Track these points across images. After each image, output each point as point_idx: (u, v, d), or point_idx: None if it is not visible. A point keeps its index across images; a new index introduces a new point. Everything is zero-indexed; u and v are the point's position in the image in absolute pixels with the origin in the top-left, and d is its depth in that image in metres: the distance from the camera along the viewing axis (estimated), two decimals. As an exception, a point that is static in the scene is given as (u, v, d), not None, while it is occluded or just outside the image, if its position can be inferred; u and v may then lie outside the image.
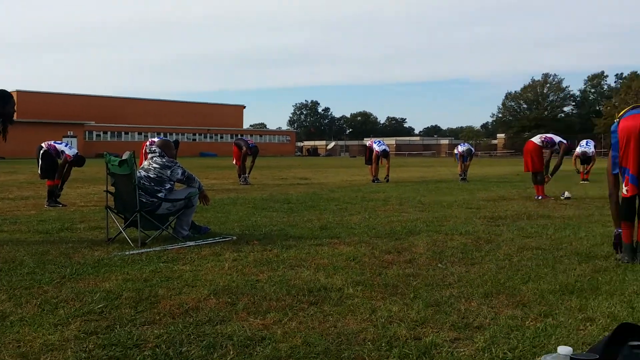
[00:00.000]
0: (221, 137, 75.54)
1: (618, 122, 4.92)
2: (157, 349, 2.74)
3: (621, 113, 5.00)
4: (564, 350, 2.09)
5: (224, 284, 3.97)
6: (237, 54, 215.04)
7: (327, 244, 5.62)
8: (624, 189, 4.87)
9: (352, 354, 2.68)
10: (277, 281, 4.07)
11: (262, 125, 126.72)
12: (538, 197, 10.50)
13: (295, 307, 3.45)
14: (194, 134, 73.74)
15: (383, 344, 2.80)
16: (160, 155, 6.02)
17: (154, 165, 5.95)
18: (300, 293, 3.74)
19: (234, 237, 5.96)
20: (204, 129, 74.42)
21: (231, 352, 2.70)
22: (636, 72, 79.80)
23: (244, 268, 4.52)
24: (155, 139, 7.93)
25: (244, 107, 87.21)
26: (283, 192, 12.32)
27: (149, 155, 6.09)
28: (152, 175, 5.88)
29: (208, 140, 74.65)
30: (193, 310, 3.38)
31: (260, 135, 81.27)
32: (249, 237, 6.01)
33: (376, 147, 16.10)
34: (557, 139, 10.94)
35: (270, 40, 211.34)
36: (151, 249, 5.30)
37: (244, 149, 15.38)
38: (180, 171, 6.03)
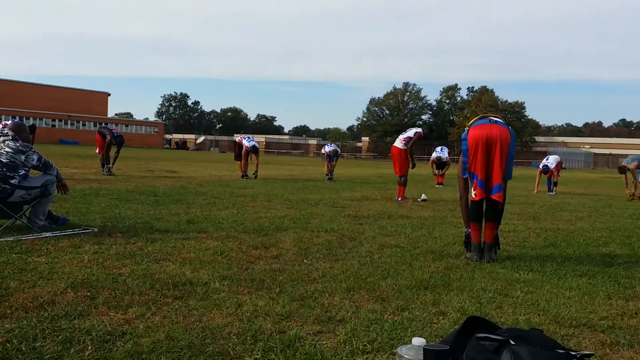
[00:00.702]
0: (83, 125, 71.48)
1: (468, 131, 5.31)
2: (8, 344, 2.56)
3: (470, 122, 5.40)
4: (418, 341, 2.23)
5: (83, 277, 3.78)
6: (103, 38, 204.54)
7: (194, 238, 5.53)
8: (473, 193, 5.25)
9: (216, 348, 2.67)
10: (140, 275, 3.95)
11: (129, 114, 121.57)
12: (398, 198, 11.05)
13: (159, 301, 3.37)
14: (54, 120, 69.11)
15: (248, 338, 2.83)
16: (14, 139, 5.59)
17: (7, 149, 5.52)
18: (165, 287, 3.66)
19: (95, 229, 5.69)
20: (65, 114, 69.95)
21: (89, 348, 2.59)
22: (485, 86, 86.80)
23: (105, 261, 4.34)
24: (9, 122, 7.35)
25: (109, 94, 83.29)
26: (149, 185, 11.93)
27: (1, 139, 5.63)
28: (4, 160, 5.45)
29: (69, 127, 70.32)
30: (48, 304, 3.20)
31: (126, 125, 77.95)
32: (112, 230, 5.77)
33: (246, 143, 16.05)
34: (412, 132, 11.45)
35: (139, 28, 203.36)
36: (3, 239, 4.91)
37: (108, 137, 14.70)
38: (35, 157, 5.64)
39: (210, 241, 5.43)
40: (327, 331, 3.00)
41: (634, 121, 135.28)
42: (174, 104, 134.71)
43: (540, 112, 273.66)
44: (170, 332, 2.83)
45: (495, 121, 5.21)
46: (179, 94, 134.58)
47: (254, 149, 16.15)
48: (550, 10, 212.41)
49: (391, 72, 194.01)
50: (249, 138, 16.42)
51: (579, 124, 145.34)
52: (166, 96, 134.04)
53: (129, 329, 2.86)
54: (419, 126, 11.11)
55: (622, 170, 14.71)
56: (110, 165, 14.67)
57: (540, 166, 16.68)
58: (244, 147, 16.04)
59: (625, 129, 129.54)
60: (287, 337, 2.85)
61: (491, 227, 5.22)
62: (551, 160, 16.61)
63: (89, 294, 3.43)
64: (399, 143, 11.30)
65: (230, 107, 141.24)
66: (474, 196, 5.24)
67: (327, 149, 17.97)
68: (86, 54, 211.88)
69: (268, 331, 2.93)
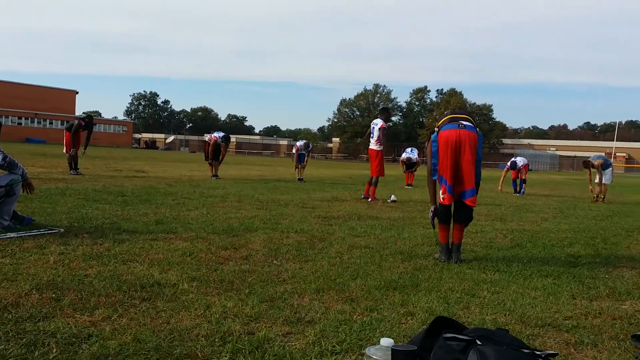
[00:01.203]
0: (50, 123, 70.06)
1: (438, 132, 5.33)
2: (-32, 349, 2.50)
3: (440, 123, 5.39)
4: (386, 342, 2.25)
5: (48, 279, 3.71)
6: (70, 35, 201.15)
7: (163, 239, 5.48)
8: (442, 197, 5.30)
9: (184, 350, 2.65)
10: (107, 276, 3.89)
11: (97, 113, 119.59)
12: (367, 197, 11.13)
13: (126, 303, 3.33)
14: (20, 118, 67.59)
15: (216, 340, 2.81)
16: (-22, 138, 5.47)
17: (-30, 148, 5.39)
18: (132, 288, 3.62)
19: (62, 230, 5.59)
20: (31, 112, 68.47)
21: (54, 350, 2.55)
22: (454, 89, 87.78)
23: (71, 262, 4.26)
24: (-28, 120, 7.17)
25: (77, 92, 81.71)
26: (117, 185, 11.77)
27: (-36, 137, 5.50)
28: (-33, 159, 5.32)
29: (36, 125, 68.85)
30: (12, 306, 3.13)
31: (95, 124, 76.74)
32: (78, 230, 5.67)
33: (215, 134, 16.00)
34: (376, 131, 11.46)
35: (107, 25, 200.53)
36: (-38, 240, 4.80)
37: (77, 121, 14.76)
38: (0, 156, 5.52)
39: (179, 242, 5.39)
40: (296, 332, 3.00)
41: (598, 124, 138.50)
42: (143, 103, 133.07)
43: (508, 115, 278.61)
44: (137, 334, 2.79)
45: (465, 126, 5.22)
46: (148, 92, 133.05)
47: (224, 138, 16.02)
48: (519, 16, 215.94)
49: (362, 74, 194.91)
50: (219, 132, 16.33)
51: (545, 127, 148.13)
52: (135, 95, 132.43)
53: (95, 331, 2.82)
54: (382, 113, 10.89)
55: (587, 165, 15.00)
56: (80, 154, 14.52)
57: (509, 163, 16.99)
58: (212, 140, 15.89)
59: (589, 131, 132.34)
60: (255, 338, 2.84)
61: (460, 228, 5.29)
62: (519, 159, 16.93)
63: (54, 295, 3.37)
64: (373, 145, 11.42)
65: (201, 107, 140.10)
66: (442, 200, 5.29)
67: (299, 143, 18.05)
68: (53, 51, 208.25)
69: (237, 333, 2.91)
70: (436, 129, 5.40)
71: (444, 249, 5.25)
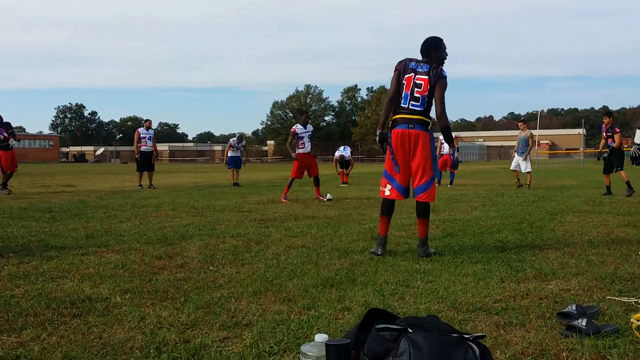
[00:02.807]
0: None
1: (391, 131, 5.31)
2: None
3: (393, 118, 5.34)
4: (320, 337, 2.28)
5: (-30, 303, 3.56)
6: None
7: (94, 253, 5.33)
8: (387, 191, 5.37)
9: (119, 363, 2.60)
10: (35, 295, 3.76)
11: (21, 129, 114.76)
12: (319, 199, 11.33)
13: (56, 320, 3.23)
14: None
15: (152, 350, 2.76)
16: None
17: None
18: (62, 305, 3.51)
19: (-16, 251, 5.35)
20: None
21: (-21, 376, 2.45)
22: (384, 86, 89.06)
23: (-4, 284, 4.09)
24: None
25: (-4, 108, 78.31)
26: (45, 200, 11.35)
27: None
28: None
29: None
30: None
31: (19, 140, 73.67)
32: (3, 250, 5.44)
33: (142, 134, 15.71)
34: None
35: (25, 38, 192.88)
36: None
37: (3, 135, 13.86)
38: None
39: (111, 255, 5.26)
40: (233, 336, 2.99)
41: (522, 114, 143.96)
42: (69, 116, 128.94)
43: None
44: (68, 352, 2.71)
45: (414, 126, 5.19)
46: (74, 104, 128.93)
47: (150, 138, 15.75)
48: (442, 12, 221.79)
49: (293, 75, 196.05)
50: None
51: (472, 119, 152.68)
52: (61, 107, 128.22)
53: (23, 352, 2.72)
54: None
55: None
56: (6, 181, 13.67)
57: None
58: (142, 140, 15.56)
59: (514, 121, 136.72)
60: (192, 346, 2.81)
61: (422, 222, 5.32)
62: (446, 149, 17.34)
63: (-23, 319, 3.23)
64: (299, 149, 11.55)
65: (130, 116, 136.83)
66: (388, 194, 5.36)
67: (232, 140, 17.80)
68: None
69: (172, 342, 2.88)
70: (389, 127, 5.36)
71: (380, 241, 5.31)
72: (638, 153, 5.07)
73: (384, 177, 5.42)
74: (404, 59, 5.33)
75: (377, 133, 5.46)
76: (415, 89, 5.17)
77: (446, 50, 5.32)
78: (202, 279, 4.27)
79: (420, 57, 5.31)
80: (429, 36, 5.32)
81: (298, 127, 11.60)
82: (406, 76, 5.23)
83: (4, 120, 13.30)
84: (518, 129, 16.32)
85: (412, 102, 5.19)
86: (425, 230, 5.32)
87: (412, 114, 5.19)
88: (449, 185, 16.29)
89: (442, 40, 5.32)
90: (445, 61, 5.29)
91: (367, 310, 2.64)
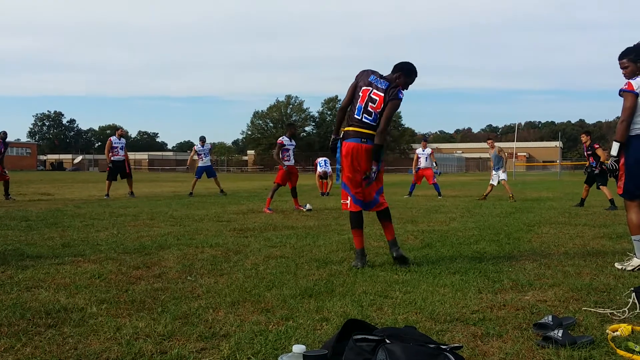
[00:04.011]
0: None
1: (342, 143, 5.35)
2: None
3: (345, 130, 5.36)
4: (298, 348, 2.28)
5: (-59, 313, 3.49)
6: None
7: (70, 263, 5.27)
8: (348, 203, 5.41)
9: (94, 375, 2.56)
10: (9, 305, 3.70)
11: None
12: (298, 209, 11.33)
13: (31, 331, 3.18)
14: None
15: (128, 361, 2.73)
16: None
17: None
18: (37, 316, 3.46)
19: (-44, 260, 5.26)
20: None
21: (-51, 388, 2.40)
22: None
23: (-32, 293, 4.02)
24: None
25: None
26: (21, 209, 11.19)
27: None
28: None
29: None
30: None
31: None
32: (-24, 259, 5.36)
33: (115, 143, 15.55)
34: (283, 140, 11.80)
35: (1, 43, 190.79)
36: None
37: None
38: None
39: (87, 264, 5.20)
40: (210, 347, 2.97)
41: (500, 126, 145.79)
42: (47, 123, 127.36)
43: (415, 121, 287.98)
44: (43, 363, 2.68)
45: (367, 142, 5.20)
46: (52, 112, 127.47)
47: (122, 147, 15.58)
48: (421, 25, 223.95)
49: (273, 85, 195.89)
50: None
51: (451, 131, 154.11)
52: (39, 115, 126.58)
53: (-5, 363, 2.68)
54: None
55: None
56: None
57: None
58: (113, 149, 15.35)
59: (492, 133, 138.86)
60: (168, 357, 2.79)
61: (387, 225, 5.40)
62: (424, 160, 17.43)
63: (-51, 330, 3.17)
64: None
65: (109, 125, 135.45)
66: (349, 207, 5.39)
67: (197, 147, 17.08)
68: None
69: (149, 353, 2.85)
70: (340, 138, 5.43)
71: (358, 254, 5.33)
72: (615, 165, 5.16)
73: (343, 190, 5.45)
74: (366, 70, 5.38)
75: (331, 139, 5.54)
76: (370, 104, 5.21)
77: (413, 82, 5.40)
78: (180, 289, 4.23)
79: (386, 72, 5.35)
80: (408, 61, 5.38)
81: (285, 139, 11.72)
82: (363, 88, 5.27)
83: None
84: (495, 141, 16.52)
85: (365, 115, 5.22)
86: (393, 231, 5.42)
87: (364, 128, 5.22)
88: (439, 197, 16.29)
89: (416, 72, 5.39)
90: (405, 90, 5.35)
91: (346, 320, 2.64)
